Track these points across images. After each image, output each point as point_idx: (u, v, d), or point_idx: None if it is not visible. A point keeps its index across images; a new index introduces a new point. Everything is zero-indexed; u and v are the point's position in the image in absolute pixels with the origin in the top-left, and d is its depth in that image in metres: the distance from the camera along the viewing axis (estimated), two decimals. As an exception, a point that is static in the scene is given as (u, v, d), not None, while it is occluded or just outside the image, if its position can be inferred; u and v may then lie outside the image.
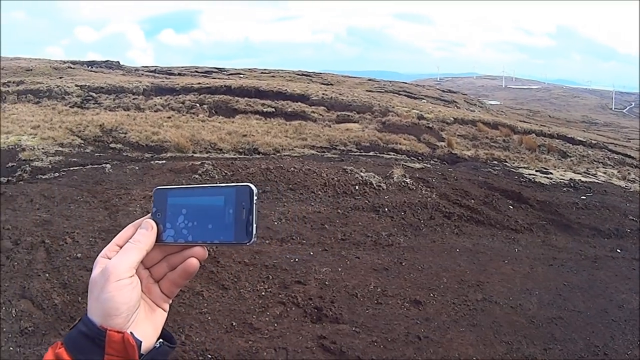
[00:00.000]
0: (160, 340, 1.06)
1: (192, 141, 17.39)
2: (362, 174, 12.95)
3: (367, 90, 46.58)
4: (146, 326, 1.02)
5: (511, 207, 12.44)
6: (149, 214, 1.10)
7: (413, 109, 32.42)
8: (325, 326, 6.45)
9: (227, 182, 11.48)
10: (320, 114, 27.21)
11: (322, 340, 6.05)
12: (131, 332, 0.97)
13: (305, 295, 7.14)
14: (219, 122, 22.74)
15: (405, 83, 76.56)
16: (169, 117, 23.35)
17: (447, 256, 9.14)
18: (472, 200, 12.30)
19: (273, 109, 26.81)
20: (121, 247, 1.03)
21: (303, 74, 62.01)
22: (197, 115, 24.60)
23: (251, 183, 1.04)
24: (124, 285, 0.97)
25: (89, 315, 0.97)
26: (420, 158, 18.92)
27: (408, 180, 13.03)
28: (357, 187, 12.24)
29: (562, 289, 8.24)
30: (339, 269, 8.07)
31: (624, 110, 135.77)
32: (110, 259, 1.01)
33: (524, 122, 45.18)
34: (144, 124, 20.46)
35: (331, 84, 51.07)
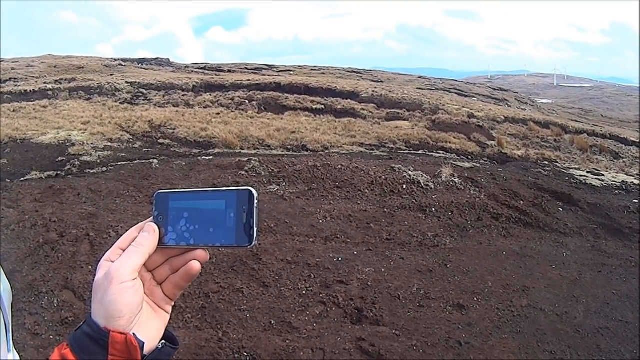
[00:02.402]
0: (163, 341, 1.06)
1: (240, 137, 17.47)
2: (410, 172, 12.74)
3: (417, 88, 46.33)
4: (149, 327, 1.03)
5: (561, 210, 12.05)
6: (151, 218, 1.09)
7: (463, 107, 32.02)
8: (365, 328, 6.32)
9: (273, 179, 11.50)
10: (370, 112, 27.16)
11: (360, 342, 5.92)
12: (134, 334, 0.98)
13: (347, 295, 7.02)
14: (268, 119, 22.90)
15: (456, 81, 76.06)
16: (218, 114, 23.69)
17: (493, 259, 8.87)
18: (521, 202, 11.96)
19: (322, 106, 26.90)
20: (124, 251, 1.03)
21: (353, 71, 62.23)
22: (246, 112, 24.83)
23: (252, 187, 1.04)
24: (126, 288, 0.98)
25: (93, 317, 0.98)
26: (469, 157, 18.65)
27: (457, 180, 12.77)
28: (404, 186, 12.04)
29: (611, 297, 7.88)
30: (382, 270, 7.92)
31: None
32: (113, 262, 1.01)
33: (576, 121, 44.16)
34: (193, 120, 20.75)
35: (381, 82, 51.03)
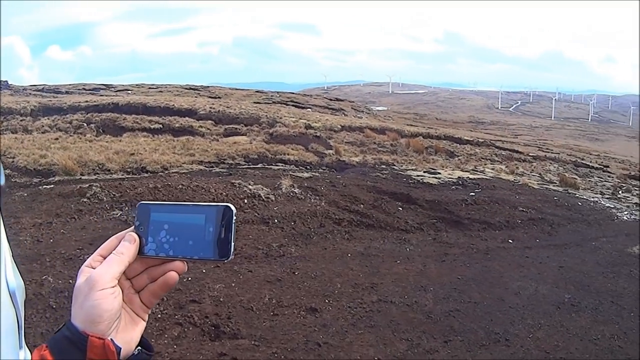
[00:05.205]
0: (139, 347, 1.11)
1: (80, 163, 16.87)
2: (250, 187, 12.94)
3: (254, 102, 47.06)
4: (126, 334, 1.08)
5: (400, 209, 12.81)
6: (132, 227, 1.14)
7: (300, 118, 32.85)
8: (225, 343, 6.39)
9: (115, 204, 11.29)
10: (208, 129, 27.33)
11: (222, 358, 5.98)
12: (112, 339, 1.02)
13: (202, 313, 7.06)
14: (107, 142, 22.28)
15: (293, 93, 77.88)
16: (57, 139, 22.68)
17: (339, 262, 9.28)
18: (362, 205, 12.59)
19: (160, 125, 26.77)
20: (105, 258, 1.08)
21: (190, 88, 62.19)
22: (85, 135, 24.06)
23: (230, 203, 1.09)
24: (107, 294, 1.02)
25: (73, 321, 1.02)
26: (308, 167, 19.21)
27: (297, 190, 13.13)
28: (245, 201, 12.21)
29: (457, 282, 8.57)
30: (233, 284, 8.03)
31: (511, 109, 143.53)
32: (94, 268, 1.06)
33: (411, 125, 46.67)
34: (32, 146, 19.74)
35: (219, 97, 51.36)
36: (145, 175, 16.28)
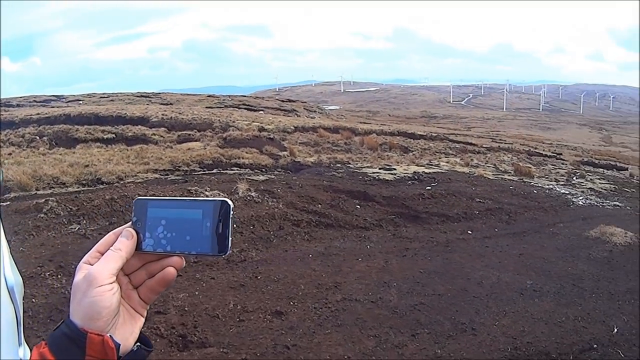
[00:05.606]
0: (138, 343, 1.13)
1: (34, 177, 16.55)
2: (206, 193, 12.87)
3: (206, 107, 47.03)
4: (125, 330, 1.09)
5: (358, 207, 12.95)
6: (129, 223, 1.15)
7: (253, 121, 32.85)
8: (193, 352, 6.36)
9: (73, 218, 11.13)
10: (161, 136, 27.20)
11: (191, 367, 6.00)
12: (110, 335, 1.03)
13: (168, 324, 7.00)
14: (60, 154, 21.91)
15: (245, 96, 77.97)
16: (10, 154, 22.30)
17: (300, 263, 9.30)
18: (319, 205, 12.66)
19: (113, 135, 26.62)
20: (102, 254, 1.09)
21: (142, 95, 61.75)
22: (38, 149, 23.70)
23: (228, 198, 1.11)
24: (105, 291, 1.03)
25: (72, 318, 1.03)
26: (263, 170, 19.17)
27: (253, 194, 13.11)
28: (202, 208, 12.13)
29: (419, 276, 8.66)
30: (196, 293, 7.99)
31: (462, 102, 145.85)
32: (92, 265, 1.07)
33: (364, 123, 47.02)
34: None
35: (170, 104, 51.20)
36: (101, 186, 16.05)
